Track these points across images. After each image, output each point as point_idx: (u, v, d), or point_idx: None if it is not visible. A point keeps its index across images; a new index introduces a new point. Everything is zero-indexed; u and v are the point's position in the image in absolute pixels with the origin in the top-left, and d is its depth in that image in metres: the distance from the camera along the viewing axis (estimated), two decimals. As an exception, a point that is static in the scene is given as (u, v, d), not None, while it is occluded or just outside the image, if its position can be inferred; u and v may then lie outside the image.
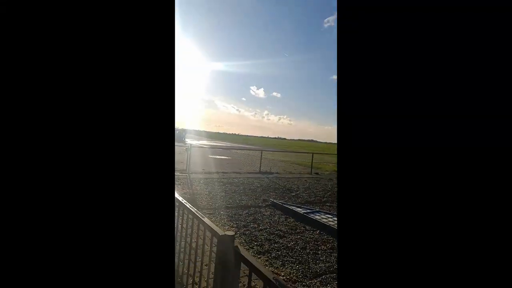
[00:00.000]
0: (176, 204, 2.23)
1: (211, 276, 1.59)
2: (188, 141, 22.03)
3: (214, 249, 1.55)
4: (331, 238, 3.94)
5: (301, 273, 2.89)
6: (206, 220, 1.74)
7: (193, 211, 1.93)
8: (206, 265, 2.52)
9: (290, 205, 5.40)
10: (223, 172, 9.44)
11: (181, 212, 2.23)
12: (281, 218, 4.71)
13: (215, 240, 1.55)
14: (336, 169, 14.36)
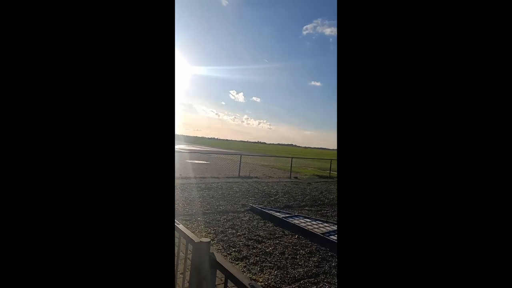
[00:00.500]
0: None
1: (187, 284, 1.52)
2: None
3: (190, 256, 1.49)
4: (310, 242, 3.97)
5: (280, 279, 2.88)
6: (181, 226, 1.67)
7: (168, 217, 1.86)
8: (181, 273, 2.43)
9: (269, 210, 5.39)
10: (201, 177, 9.27)
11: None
12: (260, 223, 4.68)
13: (190, 247, 1.50)
14: (315, 173, 14.58)
